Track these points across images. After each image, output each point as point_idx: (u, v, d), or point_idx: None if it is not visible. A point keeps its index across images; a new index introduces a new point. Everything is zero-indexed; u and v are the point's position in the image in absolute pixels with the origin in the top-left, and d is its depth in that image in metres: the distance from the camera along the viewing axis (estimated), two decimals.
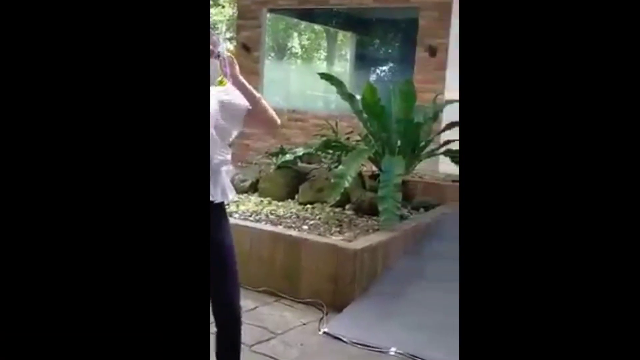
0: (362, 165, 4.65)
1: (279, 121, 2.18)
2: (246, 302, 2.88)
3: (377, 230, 4.13)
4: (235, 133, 2.14)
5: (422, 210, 4.89)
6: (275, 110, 2.17)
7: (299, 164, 5.43)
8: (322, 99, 8.40)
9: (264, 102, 2.12)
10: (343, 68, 9.47)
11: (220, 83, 2.23)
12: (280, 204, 4.93)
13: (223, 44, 2.03)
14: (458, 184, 5.42)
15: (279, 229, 4.04)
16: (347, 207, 4.81)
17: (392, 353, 2.93)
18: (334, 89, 5.21)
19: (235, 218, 4.20)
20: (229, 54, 2.04)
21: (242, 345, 2.21)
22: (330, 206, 4.72)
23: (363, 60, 8.93)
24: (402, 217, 4.36)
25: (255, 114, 2.09)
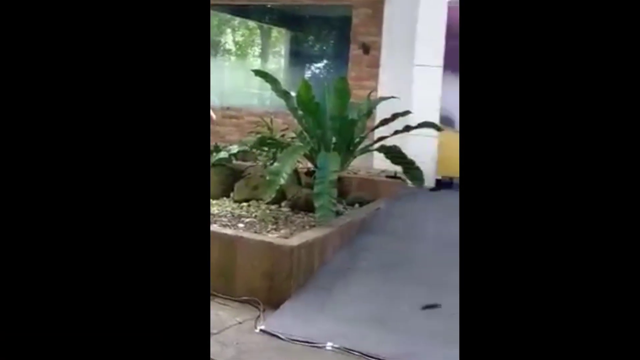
0: (298, 162, 4.65)
1: (214, 116, 2.16)
2: None
3: (313, 226, 4.15)
4: None
5: (357, 205, 4.95)
6: None
7: (234, 161, 5.38)
8: (257, 96, 8.35)
9: None
10: (277, 65, 9.44)
11: None
12: (215, 202, 4.87)
13: None
14: (392, 179, 5.53)
15: (214, 227, 3.98)
16: (283, 204, 4.80)
17: (329, 347, 2.96)
18: (268, 85, 5.18)
19: None
20: None
21: None
22: (266, 204, 4.71)
23: (297, 57, 8.93)
24: (337, 213, 4.39)
25: None
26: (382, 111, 5.39)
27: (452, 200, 5.27)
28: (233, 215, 4.42)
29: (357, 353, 2.90)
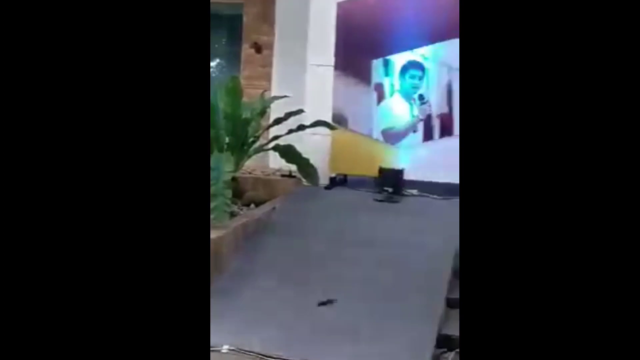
0: None
1: None
2: None
3: None
4: None
5: (252, 205, 4.92)
6: None
7: None
8: None
9: None
10: None
11: None
12: None
13: None
14: (287, 178, 5.54)
15: None
16: None
17: (225, 350, 2.91)
18: None
19: None
20: None
21: None
22: None
23: None
24: (232, 214, 4.34)
25: None
26: (276, 110, 5.40)
27: (346, 197, 5.39)
28: None
29: (252, 354, 2.88)
